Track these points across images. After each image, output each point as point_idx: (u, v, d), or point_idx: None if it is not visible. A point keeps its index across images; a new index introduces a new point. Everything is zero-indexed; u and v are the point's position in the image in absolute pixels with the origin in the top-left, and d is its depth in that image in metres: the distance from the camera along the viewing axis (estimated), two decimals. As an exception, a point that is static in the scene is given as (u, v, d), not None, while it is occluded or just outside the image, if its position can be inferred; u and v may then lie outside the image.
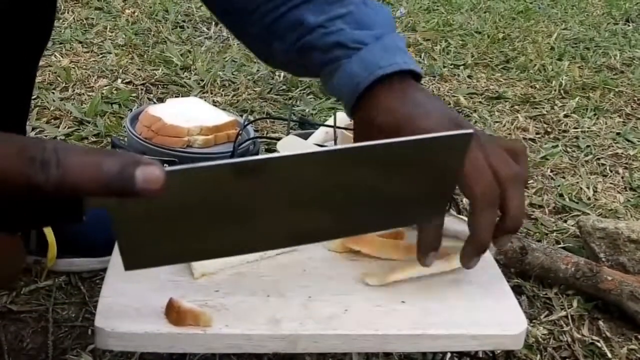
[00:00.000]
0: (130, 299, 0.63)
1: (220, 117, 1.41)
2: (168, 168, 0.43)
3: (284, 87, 1.92)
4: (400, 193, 0.58)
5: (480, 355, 0.92)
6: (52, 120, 1.57)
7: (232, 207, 0.52)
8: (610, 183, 1.58)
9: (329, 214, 0.57)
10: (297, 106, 1.81)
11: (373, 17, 0.76)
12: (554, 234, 1.34)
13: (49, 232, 1.02)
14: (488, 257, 0.76)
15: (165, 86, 1.84)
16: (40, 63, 0.98)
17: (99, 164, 0.40)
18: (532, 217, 1.40)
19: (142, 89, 1.80)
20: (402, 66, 0.72)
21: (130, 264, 0.53)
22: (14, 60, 0.90)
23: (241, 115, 1.66)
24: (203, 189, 0.49)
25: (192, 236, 0.53)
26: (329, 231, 0.60)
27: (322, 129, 1.43)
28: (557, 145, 1.75)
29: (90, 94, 1.72)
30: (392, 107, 0.70)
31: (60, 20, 2.19)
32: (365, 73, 0.71)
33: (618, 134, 1.85)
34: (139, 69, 1.92)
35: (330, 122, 1.43)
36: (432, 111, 0.69)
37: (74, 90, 1.74)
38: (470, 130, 0.58)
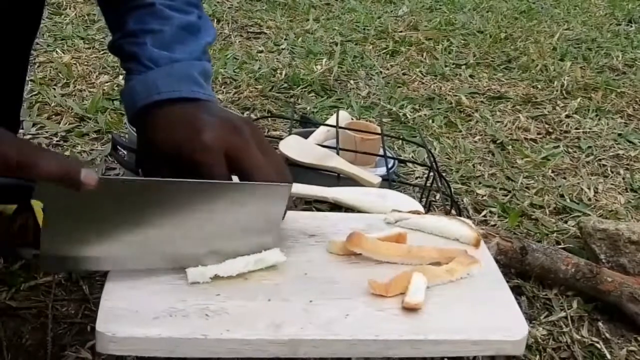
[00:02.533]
0: (130, 303, 0.62)
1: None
2: (100, 176, 0.60)
3: (286, 85, 1.92)
4: (234, 230, 0.69)
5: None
6: (53, 117, 1.57)
7: (132, 221, 0.65)
8: (611, 184, 1.58)
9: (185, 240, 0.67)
10: (299, 104, 1.81)
11: (185, 41, 0.81)
12: (555, 235, 1.34)
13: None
14: (490, 261, 0.76)
15: (166, 83, 1.83)
16: (42, 59, 0.98)
17: (60, 161, 0.58)
18: (533, 217, 1.40)
19: (143, 86, 1.79)
20: (184, 94, 0.76)
21: (46, 264, 0.65)
22: (4, 50, 0.90)
23: (242, 113, 1.66)
24: (115, 200, 0.63)
25: (104, 242, 0.65)
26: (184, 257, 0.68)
27: (323, 128, 1.43)
28: (558, 146, 1.75)
29: (91, 90, 1.72)
30: (170, 128, 0.73)
31: (62, 16, 2.19)
32: (144, 94, 0.76)
33: (619, 135, 1.85)
34: (140, 66, 1.91)
35: (331, 120, 1.43)
36: (210, 123, 0.72)
37: (75, 87, 1.73)
38: (289, 184, 0.70)
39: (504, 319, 0.66)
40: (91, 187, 0.58)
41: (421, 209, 0.90)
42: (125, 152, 1.22)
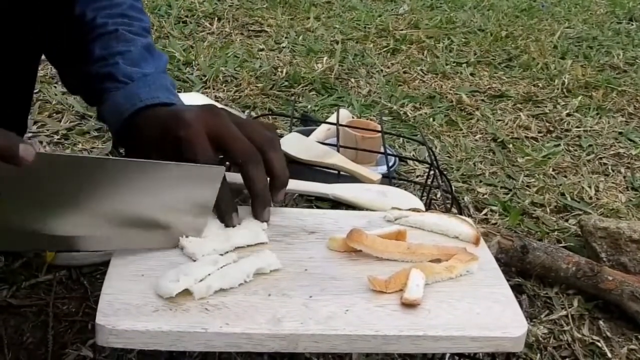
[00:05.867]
0: (131, 296, 0.62)
1: (222, 113, 1.40)
2: (38, 151, 0.59)
3: (287, 83, 1.92)
4: (166, 211, 0.70)
5: (480, 357, 0.92)
6: (54, 115, 1.57)
7: (65, 199, 0.64)
8: (612, 182, 1.58)
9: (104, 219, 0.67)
10: (300, 102, 1.81)
11: (149, 60, 0.88)
12: (555, 233, 1.34)
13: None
14: (489, 259, 0.76)
15: (167, 81, 1.83)
16: (42, 57, 0.98)
17: (1, 137, 0.57)
18: (534, 215, 1.40)
19: (144, 84, 1.79)
20: (163, 100, 0.82)
21: None
22: (16, 55, 0.90)
23: (243, 111, 1.66)
24: (55, 176, 0.62)
25: (43, 219, 0.64)
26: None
27: (324, 126, 1.43)
28: (559, 144, 1.75)
29: (92, 88, 1.72)
30: (154, 121, 0.79)
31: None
32: (128, 105, 0.82)
33: (620, 133, 1.85)
34: (141, 64, 1.91)
35: (332, 119, 1.43)
36: (190, 109, 0.78)
37: (76, 85, 1.73)
38: (222, 167, 0.71)
39: (504, 316, 0.66)
40: (29, 162, 0.58)
41: (421, 206, 0.90)
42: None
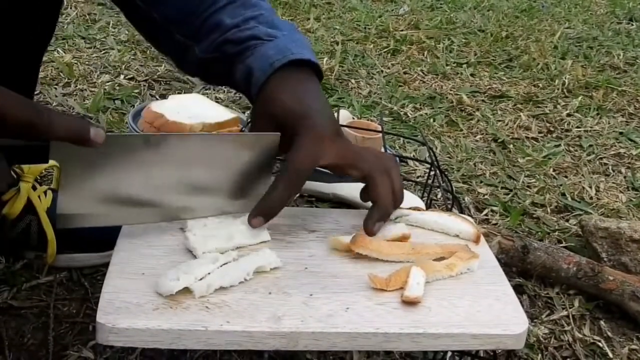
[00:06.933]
0: (131, 294, 0.62)
1: (222, 114, 1.40)
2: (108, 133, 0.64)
3: (287, 84, 1.92)
4: (231, 181, 0.74)
5: (481, 355, 0.92)
6: (55, 116, 1.57)
7: (140, 176, 0.69)
8: (613, 183, 1.57)
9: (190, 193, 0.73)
10: (300, 103, 1.81)
11: (281, 23, 0.89)
12: (556, 233, 1.34)
13: (48, 228, 1.01)
14: (490, 257, 0.76)
15: (167, 82, 1.84)
16: (43, 58, 0.98)
17: (71, 121, 0.62)
18: (534, 216, 1.39)
19: (144, 85, 1.80)
20: (309, 57, 0.83)
21: (64, 220, 0.68)
22: (17, 56, 0.90)
23: (243, 113, 1.66)
24: (124, 154, 0.67)
25: (116, 198, 0.69)
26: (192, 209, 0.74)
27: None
28: (559, 145, 1.74)
29: (92, 89, 1.72)
30: (287, 99, 0.79)
31: (63, 16, 2.19)
32: (279, 56, 0.81)
33: (621, 133, 1.85)
34: (141, 65, 1.91)
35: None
36: (318, 109, 0.79)
37: (76, 86, 1.73)
38: (278, 133, 0.75)
39: (504, 313, 0.66)
40: (99, 144, 0.63)
41: (422, 204, 0.90)
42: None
